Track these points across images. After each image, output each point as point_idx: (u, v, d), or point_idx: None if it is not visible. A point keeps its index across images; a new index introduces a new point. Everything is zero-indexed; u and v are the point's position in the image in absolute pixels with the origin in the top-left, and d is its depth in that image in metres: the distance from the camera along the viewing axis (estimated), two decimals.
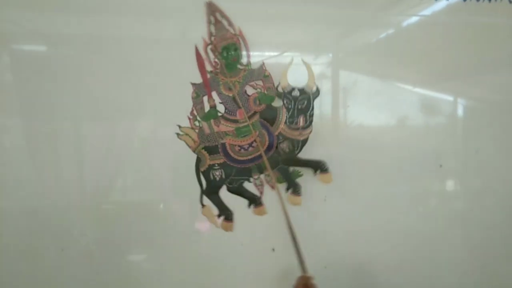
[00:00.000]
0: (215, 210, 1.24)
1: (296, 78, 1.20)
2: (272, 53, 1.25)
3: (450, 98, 1.33)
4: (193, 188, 1.21)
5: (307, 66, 1.22)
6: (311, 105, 1.24)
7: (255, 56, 1.20)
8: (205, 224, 1.22)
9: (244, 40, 1.20)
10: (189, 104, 1.18)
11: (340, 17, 1.27)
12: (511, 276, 1.39)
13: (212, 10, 1.17)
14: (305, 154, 1.24)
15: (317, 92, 1.24)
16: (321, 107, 1.27)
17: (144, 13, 1.16)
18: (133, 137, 1.19)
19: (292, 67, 1.21)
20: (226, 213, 1.25)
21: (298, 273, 1.14)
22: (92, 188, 1.16)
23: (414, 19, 1.28)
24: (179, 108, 1.19)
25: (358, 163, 1.30)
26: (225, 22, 1.18)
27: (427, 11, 1.28)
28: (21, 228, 1.14)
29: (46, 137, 1.13)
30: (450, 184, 1.37)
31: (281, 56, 1.24)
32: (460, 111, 1.34)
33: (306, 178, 1.26)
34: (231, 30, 1.19)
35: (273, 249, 1.22)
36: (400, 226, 1.33)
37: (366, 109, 1.27)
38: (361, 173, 1.31)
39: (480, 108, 1.35)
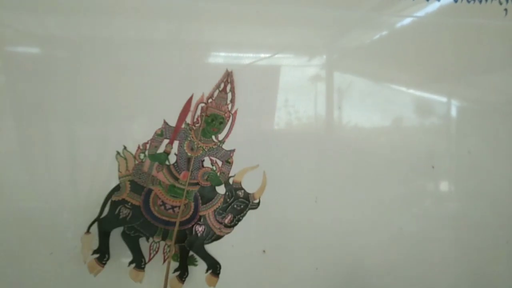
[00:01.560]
0: (95, 245, 1.07)
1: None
2: (264, 55, 1.20)
3: (443, 99, 1.27)
4: None
5: (264, 179, 1.18)
6: (245, 212, 1.19)
7: (248, 58, 1.14)
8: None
9: (233, 121, 1.17)
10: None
11: (334, 18, 1.22)
12: (503, 278, 1.31)
13: (228, 80, 1.16)
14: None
15: (257, 205, 1.19)
16: (316, 107, 1.20)
17: (137, 14, 1.12)
18: (127, 140, 1.10)
19: (252, 170, 1.16)
20: (102, 254, 1.07)
21: (289, 274, 1.07)
22: (85, 191, 1.08)
23: (407, 20, 1.24)
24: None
25: (351, 164, 1.21)
26: (229, 96, 1.17)
27: (420, 12, 1.24)
28: (10, 231, 1.06)
29: (38, 139, 1.07)
30: (442, 185, 1.29)
31: (275, 58, 1.18)
32: (453, 112, 1.29)
33: (298, 177, 1.17)
34: (229, 107, 1.17)
35: (264, 251, 1.13)
36: (393, 227, 1.24)
37: (360, 110, 1.21)
38: (354, 174, 1.21)
39: (473, 109, 1.31)
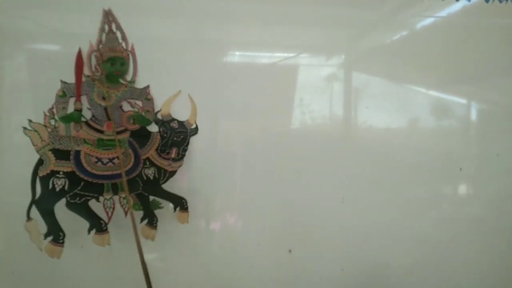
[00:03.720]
0: (43, 228, 0.93)
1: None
2: (284, 55, 1.13)
3: (464, 101, 1.19)
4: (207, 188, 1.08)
5: (191, 102, 1.08)
6: (187, 141, 1.08)
7: (267, 57, 1.08)
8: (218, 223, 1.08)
9: (134, 57, 1.05)
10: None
11: (354, 19, 1.14)
12: None
13: (109, 19, 1.03)
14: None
15: (195, 130, 1.08)
16: (335, 108, 1.14)
17: (158, 12, 1.08)
18: None
19: (176, 98, 1.07)
20: (56, 234, 0.92)
21: (315, 274, 1.02)
22: None
23: (429, 20, 1.15)
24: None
25: (377, 165, 1.15)
26: (119, 35, 1.04)
27: (443, 13, 1.15)
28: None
29: None
30: (469, 188, 1.21)
31: (294, 58, 1.13)
32: (480, 115, 1.22)
33: (326, 178, 1.11)
34: (123, 45, 1.04)
35: (290, 251, 1.06)
36: (418, 229, 1.17)
37: (381, 111, 1.15)
38: (380, 175, 1.15)
39: (497, 111, 1.22)
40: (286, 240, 1.12)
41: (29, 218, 0.92)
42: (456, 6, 1.17)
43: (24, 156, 0.98)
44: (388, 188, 1.17)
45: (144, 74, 1.06)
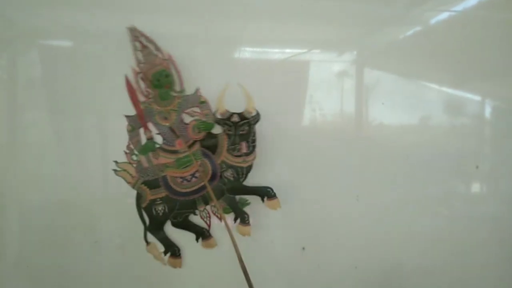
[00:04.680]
0: (161, 247, 1.07)
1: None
2: (295, 51, 1.10)
3: (479, 98, 1.16)
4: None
5: (244, 90, 1.01)
6: (253, 130, 1.03)
7: (278, 54, 1.05)
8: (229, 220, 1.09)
9: (174, 65, 1.00)
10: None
11: (366, 13, 1.10)
12: None
13: (136, 36, 0.99)
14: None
15: (257, 116, 1.02)
16: (348, 104, 1.11)
17: (169, 9, 1.06)
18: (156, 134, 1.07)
19: (227, 91, 1.03)
20: (172, 250, 1.06)
21: (328, 272, 1.06)
22: (117, 183, 1.06)
23: (444, 15, 1.12)
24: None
25: (390, 163, 1.13)
26: (151, 47, 1.00)
27: (459, 7, 1.12)
28: (54, 221, 1.08)
29: (72, 131, 1.07)
30: (486, 186, 1.19)
31: (305, 54, 1.09)
32: (491, 112, 1.19)
33: (343, 176, 1.11)
34: (160, 55, 1.00)
35: (303, 248, 1.10)
36: (433, 228, 1.15)
37: (394, 108, 1.12)
38: (394, 173, 1.13)
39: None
40: (300, 237, 1.10)
41: (147, 243, 1.08)
42: (472, 0, 1.12)
43: (38, 152, 1.05)
44: (403, 186, 1.14)
45: None
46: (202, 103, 1.04)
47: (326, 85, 1.10)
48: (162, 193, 1.05)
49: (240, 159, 1.04)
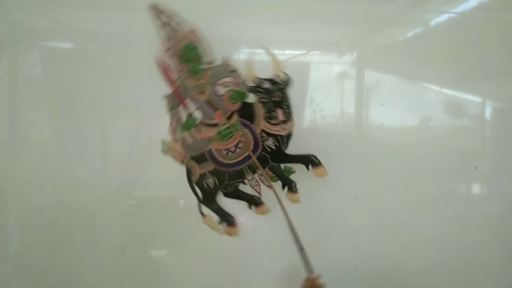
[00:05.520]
0: (216, 218, 1.09)
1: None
2: (296, 52, 1.09)
3: (479, 99, 1.15)
4: None
5: (269, 53, 0.98)
6: (286, 96, 0.99)
7: (278, 55, 1.02)
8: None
9: (199, 35, 0.99)
10: None
11: (366, 15, 1.10)
12: None
13: (157, 12, 0.97)
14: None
15: (288, 79, 0.98)
16: (344, 105, 1.09)
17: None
18: (157, 134, 1.08)
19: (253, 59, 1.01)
20: (227, 219, 1.08)
21: (327, 273, 1.01)
22: (117, 183, 1.10)
23: (443, 16, 1.11)
24: None
25: (389, 164, 1.11)
26: (173, 23, 0.98)
27: (458, 8, 1.11)
28: (54, 221, 1.09)
29: (72, 131, 1.08)
30: (485, 187, 1.16)
31: (305, 55, 1.09)
32: (490, 112, 1.16)
33: (342, 177, 1.08)
34: (182, 30, 0.99)
35: (302, 249, 1.07)
36: (433, 228, 1.13)
37: (394, 109, 1.11)
38: (392, 173, 1.11)
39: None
40: (299, 238, 1.04)
41: (203, 215, 1.11)
42: (472, 2, 1.12)
43: (38, 152, 1.06)
44: (402, 186, 1.12)
45: (157, 70, 1.03)
46: (233, 72, 1.00)
47: (327, 86, 1.08)
48: (210, 166, 1.07)
49: (278, 127, 1.00)
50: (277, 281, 1.11)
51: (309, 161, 1.01)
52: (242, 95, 1.00)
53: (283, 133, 1.00)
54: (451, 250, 1.14)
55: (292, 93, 1.02)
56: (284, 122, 0.98)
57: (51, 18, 1.07)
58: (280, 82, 0.97)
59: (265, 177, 1.04)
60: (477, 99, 1.15)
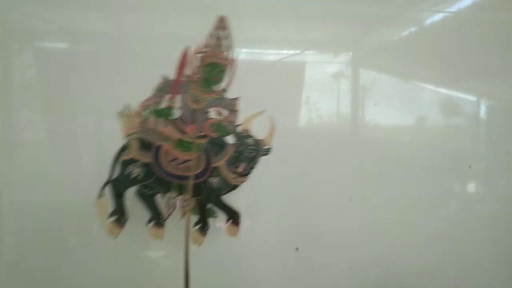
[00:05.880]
0: (110, 208, 0.98)
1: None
2: (290, 52, 1.11)
3: (474, 98, 1.17)
4: None
5: (272, 124, 1.08)
6: (257, 160, 1.08)
7: (273, 54, 1.07)
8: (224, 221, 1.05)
9: (235, 68, 1.05)
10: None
11: (361, 14, 1.11)
12: None
13: (221, 26, 1.04)
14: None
15: (268, 151, 1.08)
16: (343, 105, 1.12)
17: (163, 10, 1.08)
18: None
19: (259, 117, 1.07)
20: (120, 216, 0.99)
21: (322, 272, 1.01)
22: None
23: (438, 16, 1.13)
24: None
25: (385, 163, 1.13)
26: (226, 43, 1.05)
27: (453, 8, 1.12)
28: (47, 222, 1.07)
29: (66, 132, 1.06)
30: (479, 185, 1.19)
31: (300, 55, 1.11)
32: (485, 112, 1.19)
33: (333, 176, 1.10)
34: (227, 54, 1.06)
35: (297, 248, 1.07)
36: (428, 227, 1.15)
37: (389, 108, 1.12)
38: (388, 173, 1.14)
39: (506, 108, 1.20)
40: (293, 237, 1.11)
41: (101, 195, 0.99)
42: (467, 1, 1.12)
43: (32, 153, 1.04)
44: (396, 186, 1.14)
45: (151, 71, 1.06)
46: (233, 111, 1.09)
47: (322, 86, 1.10)
48: (147, 158, 1.02)
49: (232, 175, 1.07)
50: (273, 281, 1.06)
51: (233, 217, 1.07)
52: (224, 131, 1.08)
53: (233, 182, 1.07)
54: (446, 249, 1.15)
55: (288, 93, 1.08)
56: (240, 175, 1.06)
57: (44, 19, 1.07)
58: (262, 148, 1.08)
59: (186, 205, 1.03)
60: (472, 98, 1.16)
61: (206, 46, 1.08)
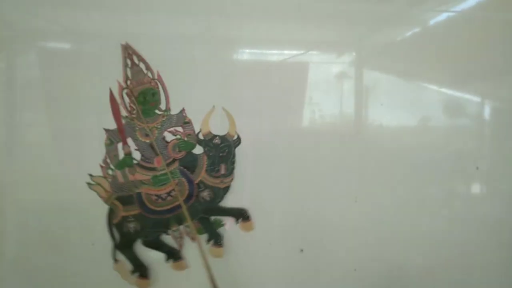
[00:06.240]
0: (129, 266, 1.03)
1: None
2: (294, 52, 1.09)
3: (479, 98, 1.15)
4: None
5: (228, 114, 1.05)
6: (232, 153, 1.06)
7: (276, 55, 1.05)
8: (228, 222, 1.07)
9: (163, 84, 1.02)
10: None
11: (365, 14, 1.10)
12: None
13: (129, 53, 1.00)
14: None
15: (238, 140, 1.06)
16: (347, 105, 1.10)
17: (166, 10, 1.05)
18: None
19: (212, 114, 1.05)
20: (141, 270, 1.03)
21: (327, 274, 1.03)
22: None
23: (443, 15, 1.11)
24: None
25: (389, 164, 1.12)
26: (142, 66, 1.01)
27: (458, 7, 1.11)
28: (51, 222, 1.07)
29: (70, 132, 1.05)
30: (486, 187, 1.17)
31: (304, 55, 1.08)
32: (490, 112, 1.17)
33: (339, 176, 1.09)
34: (149, 74, 1.02)
35: (302, 250, 1.07)
36: (434, 229, 1.14)
37: (393, 109, 1.10)
38: (393, 174, 1.12)
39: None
40: (298, 239, 1.09)
41: (116, 260, 1.04)
42: (471, 1, 1.10)
43: (35, 153, 1.04)
44: (403, 187, 1.12)
45: (154, 70, 1.05)
46: (186, 123, 1.06)
47: (325, 86, 1.09)
48: (135, 210, 1.03)
49: (218, 180, 1.06)
50: (277, 283, 1.09)
51: (241, 215, 1.07)
52: (189, 146, 1.05)
53: (221, 186, 1.06)
54: (452, 251, 1.14)
55: (291, 94, 1.06)
56: (225, 176, 1.05)
57: (48, 19, 1.04)
58: (231, 141, 1.05)
59: (191, 230, 1.05)
60: (477, 99, 1.14)
61: (126, 79, 1.04)
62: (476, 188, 1.18)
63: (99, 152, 1.05)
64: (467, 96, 1.15)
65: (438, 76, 1.15)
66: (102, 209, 1.05)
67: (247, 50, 1.09)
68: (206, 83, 1.06)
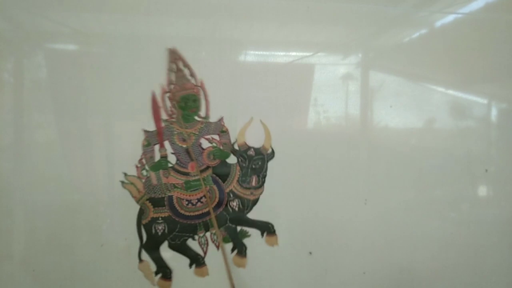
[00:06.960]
0: (153, 267, 1.04)
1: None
2: (300, 54, 1.10)
3: (486, 100, 1.15)
4: None
5: (265, 128, 1.06)
6: (265, 166, 1.07)
7: (283, 57, 1.05)
8: None
9: (205, 92, 1.04)
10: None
11: (372, 16, 1.09)
12: None
13: (175, 58, 1.01)
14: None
15: (272, 154, 1.07)
16: (348, 107, 1.10)
17: (173, 12, 1.06)
18: None
19: (250, 126, 1.07)
20: (164, 271, 1.04)
21: (336, 277, 1.03)
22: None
23: (450, 17, 1.11)
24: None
25: (398, 166, 1.11)
26: (186, 72, 1.03)
27: (465, 9, 1.11)
28: (60, 223, 1.06)
29: (77, 133, 1.05)
30: (495, 189, 1.16)
31: (310, 57, 1.08)
32: (497, 114, 1.17)
33: (348, 178, 1.09)
34: (193, 81, 1.04)
35: (310, 253, 1.07)
36: (443, 232, 1.13)
37: (401, 111, 1.10)
38: (402, 176, 1.11)
39: None
40: (307, 242, 1.09)
41: (141, 260, 1.05)
42: (479, 3, 1.10)
43: (44, 154, 1.04)
44: (412, 189, 1.12)
45: (163, 72, 1.05)
46: (223, 132, 1.07)
47: (331, 88, 1.09)
48: (165, 212, 1.05)
49: (248, 191, 1.07)
50: (286, 285, 1.09)
51: (266, 228, 1.08)
52: (223, 155, 1.07)
53: (251, 197, 1.07)
54: (461, 254, 1.14)
55: (296, 95, 1.06)
56: (255, 188, 1.06)
57: (56, 20, 1.03)
58: (265, 154, 1.06)
59: (217, 237, 1.06)
60: (484, 100, 1.14)
61: (170, 83, 1.05)
62: (485, 191, 1.18)
63: (107, 152, 1.06)
64: (475, 98, 1.15)
65: (445, 77, 1.15)
66: (111, 210, 1.06)
67: (254, 52, 1.09)
68: (212, 85, 1.08)
